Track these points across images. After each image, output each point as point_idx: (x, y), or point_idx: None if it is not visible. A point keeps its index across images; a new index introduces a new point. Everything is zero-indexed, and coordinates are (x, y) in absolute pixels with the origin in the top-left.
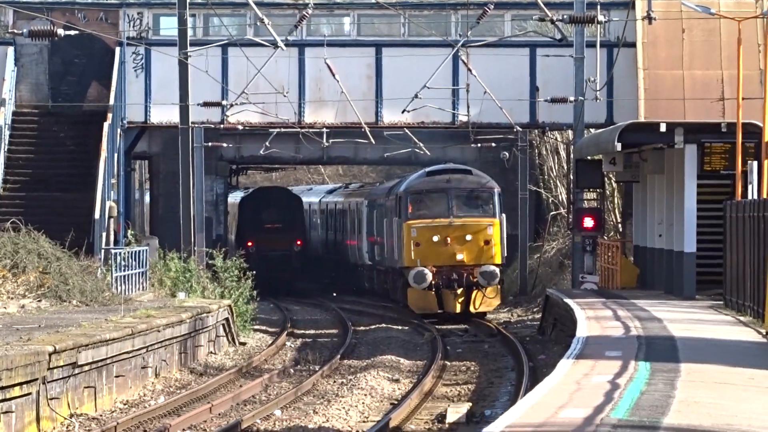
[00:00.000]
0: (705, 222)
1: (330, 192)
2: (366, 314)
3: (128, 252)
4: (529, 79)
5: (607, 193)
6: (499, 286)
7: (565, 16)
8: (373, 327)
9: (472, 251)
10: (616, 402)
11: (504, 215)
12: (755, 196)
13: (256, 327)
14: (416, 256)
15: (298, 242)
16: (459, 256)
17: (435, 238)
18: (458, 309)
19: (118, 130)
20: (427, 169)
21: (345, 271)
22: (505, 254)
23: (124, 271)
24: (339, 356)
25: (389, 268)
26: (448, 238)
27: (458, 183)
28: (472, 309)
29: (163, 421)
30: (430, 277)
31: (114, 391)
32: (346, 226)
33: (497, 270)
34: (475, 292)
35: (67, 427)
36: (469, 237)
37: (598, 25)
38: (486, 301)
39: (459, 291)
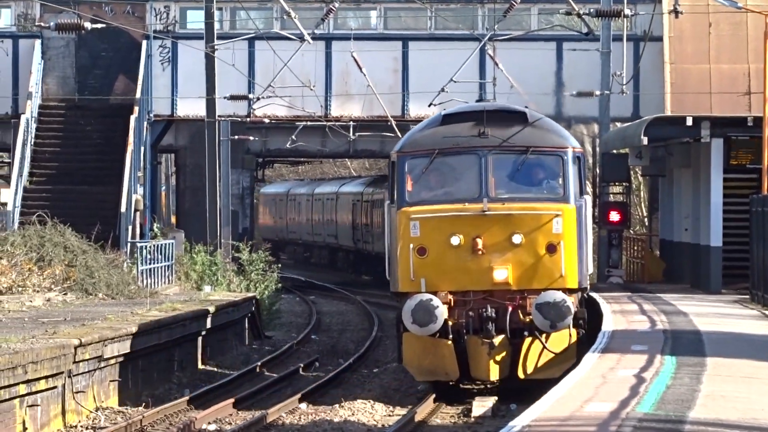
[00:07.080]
0: (731, 216)
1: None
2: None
3: (154, 245)
4: (555, 72)
5: (634, 186)
6: (574, 331)
7: (591, 10)
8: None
9: (524, 265)
10: (641, 396)
11: (587, 198)
12: None
13: (282, 320)
14: (419, 274)
15: None
16: (499, 275)
17: (454, 240)
18: (496, 374)
19: (145, 124)
20: (445, 112)
21: None
22: (590, 270)
23: (150, 264)
24: (364, 349)
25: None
26: (479, 240)
27: (501, 136)
28: (520, 374)
29: (188, 415)
30: (443, 312)
31: (139, 385)
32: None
33: (569, 301)
34: (527, 342)
35: (92, 421)
36: (517, 238)
37: (625, 19)
38: (548, 360)
39: (498, 340)
